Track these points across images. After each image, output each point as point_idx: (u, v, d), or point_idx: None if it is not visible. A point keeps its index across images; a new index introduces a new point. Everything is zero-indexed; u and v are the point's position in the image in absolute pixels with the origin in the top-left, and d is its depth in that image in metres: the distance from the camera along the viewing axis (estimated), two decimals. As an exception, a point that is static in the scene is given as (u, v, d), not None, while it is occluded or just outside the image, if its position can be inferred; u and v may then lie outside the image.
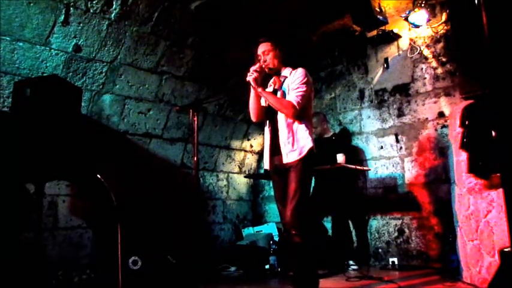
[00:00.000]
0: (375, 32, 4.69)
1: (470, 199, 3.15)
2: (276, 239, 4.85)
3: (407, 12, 4.38)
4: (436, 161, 4.34)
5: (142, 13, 3.81)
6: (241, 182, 5.63)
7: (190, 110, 2.52)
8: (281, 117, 2.80)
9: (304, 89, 2.74)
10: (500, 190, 2.82)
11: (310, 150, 2.75)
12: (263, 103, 2.94)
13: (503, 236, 2.78)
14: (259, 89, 2.78)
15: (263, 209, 5.75)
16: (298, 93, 2.72)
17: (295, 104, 2.69)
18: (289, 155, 2.74)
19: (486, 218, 2.99)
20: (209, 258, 4.71)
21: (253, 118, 3.00)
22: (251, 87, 2.80)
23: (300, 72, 2.80)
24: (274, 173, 2.92)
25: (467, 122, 3.10)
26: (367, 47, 4.96)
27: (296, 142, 2.74)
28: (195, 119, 2.49)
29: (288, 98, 2.76)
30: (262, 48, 2.88)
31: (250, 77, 2.74)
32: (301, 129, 2.77)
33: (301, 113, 2.75)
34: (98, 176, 3.24)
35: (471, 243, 3.14)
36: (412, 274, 3.81)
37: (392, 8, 4.52)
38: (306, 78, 2.77)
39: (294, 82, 2.77)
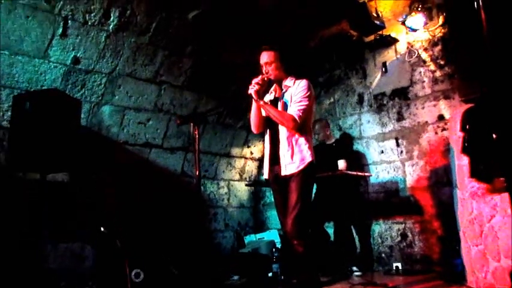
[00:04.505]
0: (372, 37, 4.69)
1: (473, 203, 3.14)
2: (278, 246, 4.84)
3: (404, 16, 4.39)
4: (437, 164, 4.33)
5: (140, 24, 3.81)
6: (242, 189, 5.62)
7: (191, 123, 2.49)
8: (282, 128, 2.79)
9: (307, 103, 2.74)
10: (504, 195, 2.82)
11: (310, 163, 2.74)
12: (264, 113, 2.93)
13: (508, 240, 2.77)
14: (261, 102, 2.76)
15: (264, 216, 5.74)
16: (300, 107, 2.71)
17: (297, 117, 2.68)
18: (288, 167, 2.74)
19: (490, 222, 2.97)
20: (211, 266, 4.68)
21: (254, 130, 2.98)
22: (253, 99, 2.78)
23: (303, 84, 2.78)
24: (274, 182, 2.91)
25: (467, 126, 3.11)
26: (365, 51, 4.96)
27: (295, 155, 2.74)
28: (196, 132, 2.46)
29: (289, 110, 2.75)
30: (265, 57, 2.83)
31: (252, 89, 2.71)
32: (301, 142, 2.76)
33: (302, 126, 2.74)
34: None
35: (475, 247, 3.13)
36: (417, 279, 3.80)
37: (389, 12, 4.53)
38: (309, 92, 2.76)
39: (296, 94, 2.75)
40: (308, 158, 2.75)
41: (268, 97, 2.99)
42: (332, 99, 5.28)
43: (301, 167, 2.72)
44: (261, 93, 2.79)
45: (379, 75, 4.87)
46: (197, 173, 2.46)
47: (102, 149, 4.04)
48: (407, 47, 4.63)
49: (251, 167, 5.76)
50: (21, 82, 3.42)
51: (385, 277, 4.04)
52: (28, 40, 3.33)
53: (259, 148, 5.68)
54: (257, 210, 5.79)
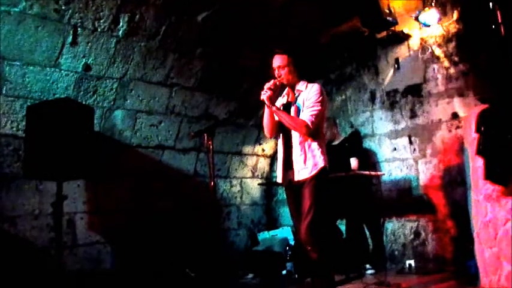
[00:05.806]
0: (384, 33, 4.60)
1: (488, 206, 3.11)
2: (292, 242, 4.87)
3: (417, 12, 4.30)
4: (451, 162, 4.28)
5: (150, 28, 3.80)
6: (254, 187, 5.64)
7: (205, 135, 2.50)
8: (295, 133, 2.80)
9: (319, 108, 2.73)
10: (521, 198, 2.79)
11: (323, 168, 2.74)
12: (277, 118, 2.93)
13: (524, 246, 2.75)
14: (274, 108, 2.76)
15: (277, 213, 5.76)
16: (312, 112, 2.71)
17: (309, 123, 2.68)
18: (301, 172, 2.75)
19: (505, 226, 2.94)
20: (226, 265, 4.75)
21: (267, 134, 2.99)
22: (265, 105, 2.78)
23: (315, 89, 2.77)
24: (287, 188, 2.93)
25: (482, 128, 3.06)
26: (377, 48, 4.88)
27: (308, 160, 2.74)
28: (210, 143, 2.47)
29: (302, 115, 2.75)
30: (278, 61, 2.82)
31: (265, 95, 2.71)
32: (314, 147, 2.76)
33: (315, 132, 2.74)
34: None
35: (490, 250, 3.11)
36: (430, 279, 3.80)
37: (402, 8, 4.44)
38: (321, 97, 2.76)
39: (309, 99, 2.75)
40: (321, 163, 2.75)
41: (281, 101, 2.98)
42: (344, 96, 5.22)
43: (314, 172, 2.72)
44: (273, 99, 2.79)
45: (391, 72, 4.79)
46: (212, 184, 2.47)
47: (115, 153, 4.08)
48: (421, 43, 4.53)
49: (263, 164, 5.77)
50: (34, 92, 3.45)
51: (398, 276, 4.06)
52: (39, 50, 3.34)
53: (271, 145, 5.68)
54: (270, 207, 5.81)
